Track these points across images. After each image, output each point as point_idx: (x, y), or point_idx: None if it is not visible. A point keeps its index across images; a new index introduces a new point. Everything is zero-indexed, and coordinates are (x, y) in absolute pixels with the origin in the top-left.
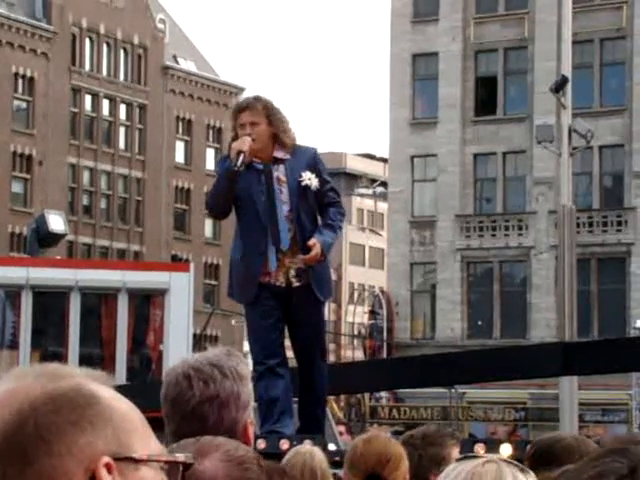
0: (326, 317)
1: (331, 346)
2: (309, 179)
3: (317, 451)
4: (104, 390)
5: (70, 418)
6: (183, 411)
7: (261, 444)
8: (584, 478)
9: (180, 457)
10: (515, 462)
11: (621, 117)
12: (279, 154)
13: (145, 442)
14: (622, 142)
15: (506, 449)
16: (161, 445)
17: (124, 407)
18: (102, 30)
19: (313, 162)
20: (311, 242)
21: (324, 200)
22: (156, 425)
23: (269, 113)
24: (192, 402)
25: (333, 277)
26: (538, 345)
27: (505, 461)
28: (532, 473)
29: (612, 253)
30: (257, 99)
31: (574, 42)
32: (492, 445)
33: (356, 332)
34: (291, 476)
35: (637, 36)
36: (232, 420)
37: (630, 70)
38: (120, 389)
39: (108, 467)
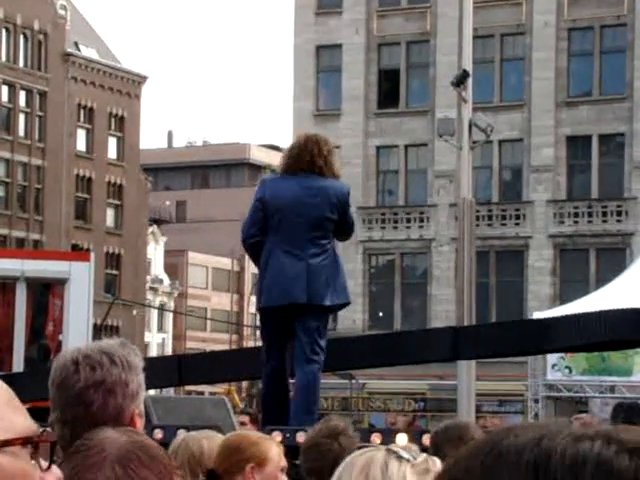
0: (228, 308)
1: (233, 337)
2: None
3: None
4: None
5: None
6: (68, 396)
7: (158, 434)
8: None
9: (35, 435)
10: (400, 451)
11: (520, 112)
12: None
13: (6, 425)
14: (521, 137)
15: (402, 439)
16: (31, 422)
17: None
18: (1, 15)
19: None
20: None
21: None
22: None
23: None
24: (77, 387)
25: (236, 268)
26: (428, 330)
27: (389, 450)
28: (421, 459)
29: (510, 246)
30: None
31: (475, 37)
32: (389, 435)
33: (259, 323)
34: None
35: (536, 32)
36: (118, 407)
37: (529, 65)
38: (16, 378)
39: None
